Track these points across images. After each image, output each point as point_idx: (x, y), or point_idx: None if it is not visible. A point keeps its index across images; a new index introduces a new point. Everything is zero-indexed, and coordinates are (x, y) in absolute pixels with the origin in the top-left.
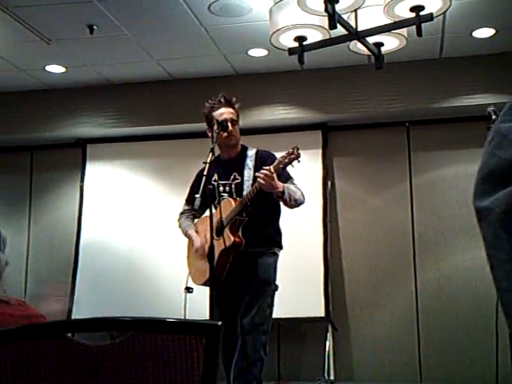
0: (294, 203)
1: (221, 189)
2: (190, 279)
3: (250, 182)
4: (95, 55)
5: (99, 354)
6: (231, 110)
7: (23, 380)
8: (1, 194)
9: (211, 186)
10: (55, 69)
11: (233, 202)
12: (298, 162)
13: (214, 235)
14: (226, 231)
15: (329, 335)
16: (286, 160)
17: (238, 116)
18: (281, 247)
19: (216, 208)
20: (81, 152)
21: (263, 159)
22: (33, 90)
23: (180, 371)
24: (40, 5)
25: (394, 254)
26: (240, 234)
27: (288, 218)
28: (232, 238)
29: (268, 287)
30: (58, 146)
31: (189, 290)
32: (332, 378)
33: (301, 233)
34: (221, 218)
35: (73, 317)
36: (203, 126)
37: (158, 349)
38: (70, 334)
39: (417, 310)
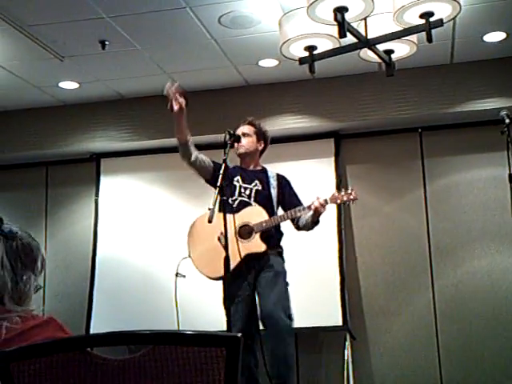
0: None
1: (242, 190)
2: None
3: (276, 199)
4: (108, 70)
5: (121, 367)
6: (249, 126)
7: None
8: (17, 210)
9: (235, 185)
10: (69, 85)
11: (264, 213)
12: (353, 203)
13: (238, 237)
14: (256, 237)
15: (347, 344)
16: (345, 198)
17: (255, 132)
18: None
19: (234, 209)
20: (95, 166)
21: (284, 183)
22: (47, 106)
23: (202, 383)
24: (53, 23)
25: (410, 261)
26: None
27: None
28: (264, 247)
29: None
30: (72, 161)
31: (180, 274)
32: None
33: (316, 242)
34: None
35: (91, 331)
36: (216, 137)
37: (179, 361)
38: (89, 349)
39: (435, 317)
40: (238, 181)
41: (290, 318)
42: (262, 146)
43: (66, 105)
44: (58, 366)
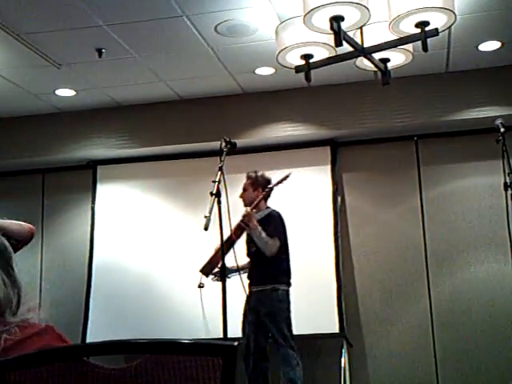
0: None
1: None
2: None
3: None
4: (104, 78)
5: (117, 376)
6: (246, 180)
7: None
8: (13, 217)
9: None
10: (65, 92)
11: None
12: (286, 179)
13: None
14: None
15: (344, 351)
16: (281, 177)
17: (250, 184)
18: (285, 284)
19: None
20: (91, 174)
21: (265, 219)
22: (43, 113)
23: None
24: (50, 31)
25: (406, 268)
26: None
27: (299, 235)
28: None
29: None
30: (68, 169)
31: (201, 284)
32: None
33: (312, 249)
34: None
35: (87, 338)
36: (212, 144)
37: (176, 370)
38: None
39: (432, 323)
40: None
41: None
42: (260, 191)
43: (63, 112)
44: (54, 376)
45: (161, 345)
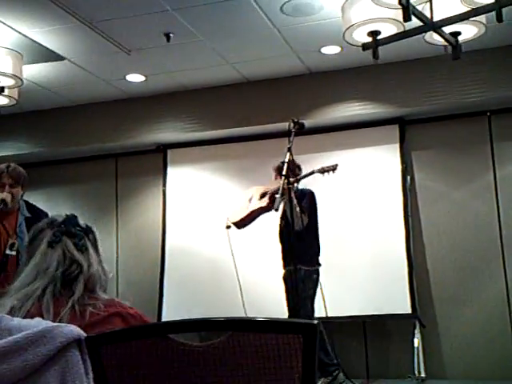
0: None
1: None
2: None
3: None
4: (172, 62)
5: (201, 353)
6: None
7: (130, 378)
8: (90, 200)
9: None
10: (135, 78)
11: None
12: (333, 172)
13: (259, 198)
14: (266, 199)
15: (416, 332)
16: (325, 167)
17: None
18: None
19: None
20: (162, 157)
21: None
22: (115, 99)
23: (279, 370)
24: (119, 18)
25: (480, 247)
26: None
27: (369, 216)
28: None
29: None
30: (140, 153)
31: (228, 227)
32: (423, 375)
33: (382, 229)
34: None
35: (162, 316)
36: (280, 126)
37: (258, 348)
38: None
39: (508, 304)
40: None
41: None
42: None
43: (133, 97)
44: (142, 350)
45: (242, 323)
